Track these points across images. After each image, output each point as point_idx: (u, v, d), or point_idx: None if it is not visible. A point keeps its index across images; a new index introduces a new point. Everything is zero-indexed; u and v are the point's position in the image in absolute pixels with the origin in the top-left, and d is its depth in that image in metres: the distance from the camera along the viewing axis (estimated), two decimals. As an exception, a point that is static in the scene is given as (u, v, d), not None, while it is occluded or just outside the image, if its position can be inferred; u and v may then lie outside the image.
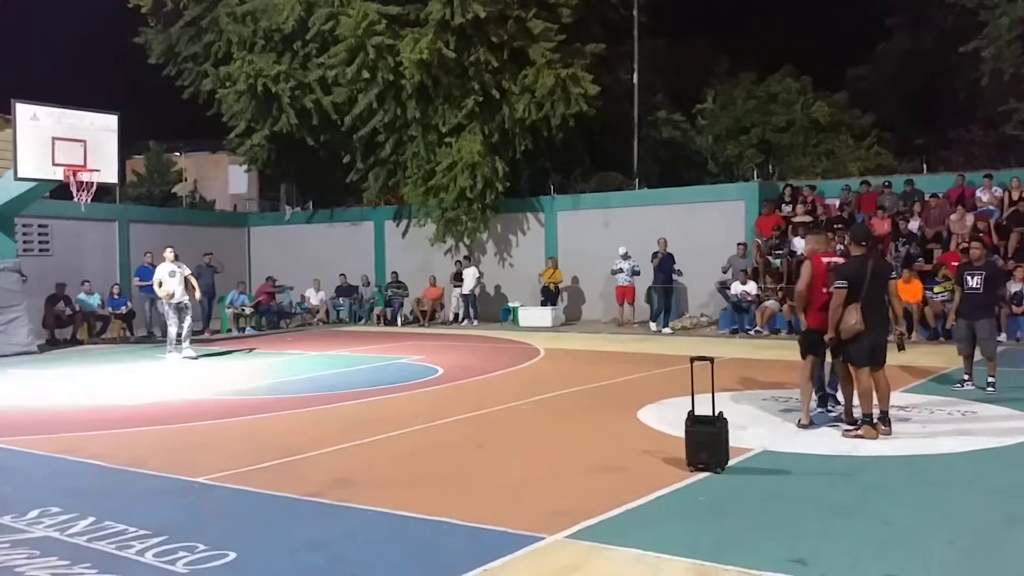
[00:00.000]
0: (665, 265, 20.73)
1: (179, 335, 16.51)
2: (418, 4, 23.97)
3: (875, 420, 8.33)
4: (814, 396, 9.25)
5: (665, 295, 20.79)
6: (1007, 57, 23.64)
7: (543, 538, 5.58)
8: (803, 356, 8.97)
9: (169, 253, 16.74)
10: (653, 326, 20.69)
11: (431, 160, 24.37)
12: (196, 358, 16.37)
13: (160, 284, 16.44)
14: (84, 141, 17.26)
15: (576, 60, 23.60)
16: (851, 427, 8.54)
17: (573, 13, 24.42)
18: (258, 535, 5.93)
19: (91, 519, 6.16)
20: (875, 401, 8.36)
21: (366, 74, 23.67)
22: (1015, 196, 18.88)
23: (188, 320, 16.74)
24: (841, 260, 8.99)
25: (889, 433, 8.34)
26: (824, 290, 8.69)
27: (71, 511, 6.36)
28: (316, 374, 14.31)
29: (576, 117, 23.23)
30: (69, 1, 42.19)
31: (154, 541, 5.68)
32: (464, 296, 23.93)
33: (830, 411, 9.47)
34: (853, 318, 8.21)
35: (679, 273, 21.09)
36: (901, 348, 8.87)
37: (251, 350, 18.08)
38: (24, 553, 5.48)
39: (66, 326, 20.73)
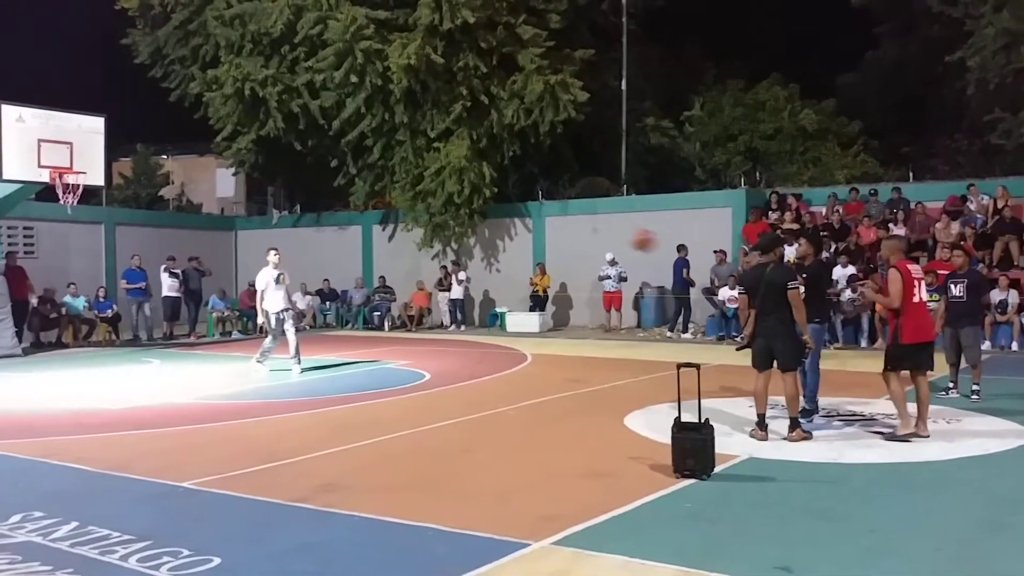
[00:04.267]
0: (677, 270, 20.80)
1: (295, 349, 14.69)
2: (407, 9, 23.97)
3: (765, 423, 8.65)
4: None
5: (676, 301, 20.85)
6: (992, 67, 23.75)
7: (529, 544, 5.57)
8: (893, 370, 8.81)
9: (274, 256, 14.80)
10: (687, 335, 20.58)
11: (419, 165, 24.35)
12: (302, 371, 14.68)
13: (261, 297, 14.68)
14: (70, 143, 17.19)
15: (565, 66, 23.64)
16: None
17: (562, 19, 24.49)
18: (243, 540, 5.89)
19: (74, 524, 6.12)
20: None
21: (354, 78, 23.64)
22: (1000, 204, 18.99)
23: (293, 331, 14.84)
24: (916, 266, 9.06)
25: (806, 438, 8.51)
26: (914, 299, 8.65)
27: (54, 516, 6.31)
28: (302, 378, 14.23)
29: (564, 123, 23.25)
30: (56, 2, 42.08)
31: (138, 546, 5.64)
32: (452, 301, 23.93)
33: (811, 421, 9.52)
34: (747, 323, 8.64)
35: (691, 282, 20.88)
36: (803, 356, 9.01)
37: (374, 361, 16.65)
38: (6, 558, 5.44)
39: (51, 329, 20.62)
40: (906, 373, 8.86)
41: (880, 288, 8.95)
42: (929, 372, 9.00)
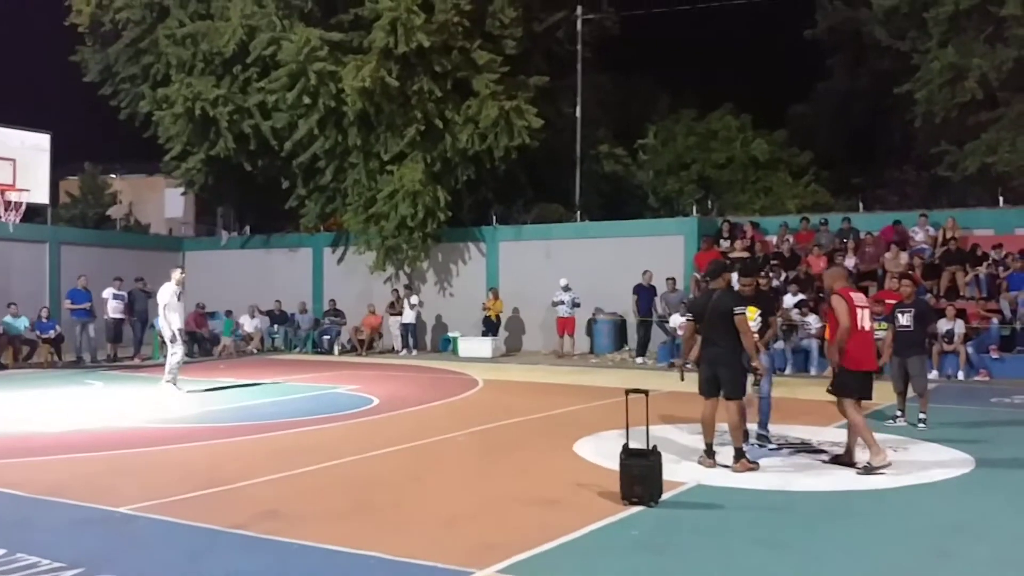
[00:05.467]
0: (647, 296, 20.85)
1: (176, 363, 14.95)
2: (361, 31, 23.91)
3: (706, 451, 8.62)
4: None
5: (644, 327, 20.88)
6: (938, 100, 24.21)
7: (472, 573, 5.47)
8: (846, 397, 8.68)
9: (178, 274, 15.17)
10: (639, 360, 20.73)
11: (372, 187, 24.21)
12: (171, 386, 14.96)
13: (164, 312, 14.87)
14: (13, 160, 16.89)
15: (520, 92, 23.67)
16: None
17: (518, 45, 24.54)
18: (179, 567, 5.74)
19: (0, 551, 5.91)
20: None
21: (307, 100, 23.49)
22: (948, 235, 19.30)
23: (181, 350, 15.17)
24: (862, 295, 8.99)
25: (752, 468, 8.41)
26: (859, 327, 8.54)
27: (-20, 543, 6.09)
28: (247, 403, 14.01)
29: (519, 149, 23.28)
30: (1, 15, 41.47)
31: (68, 574, 5.47)
32: (404, 325, 23.75)
33: (764, 446, 9.53)
34: (693, 349, 8.69)
35: (655, 307, 21.03)
36: (754, 384, 9.01)
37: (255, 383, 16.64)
38: (-74, 587, 5.23)
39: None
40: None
41: (830, 323, 8.84)
42: (867, 402, 8.99)
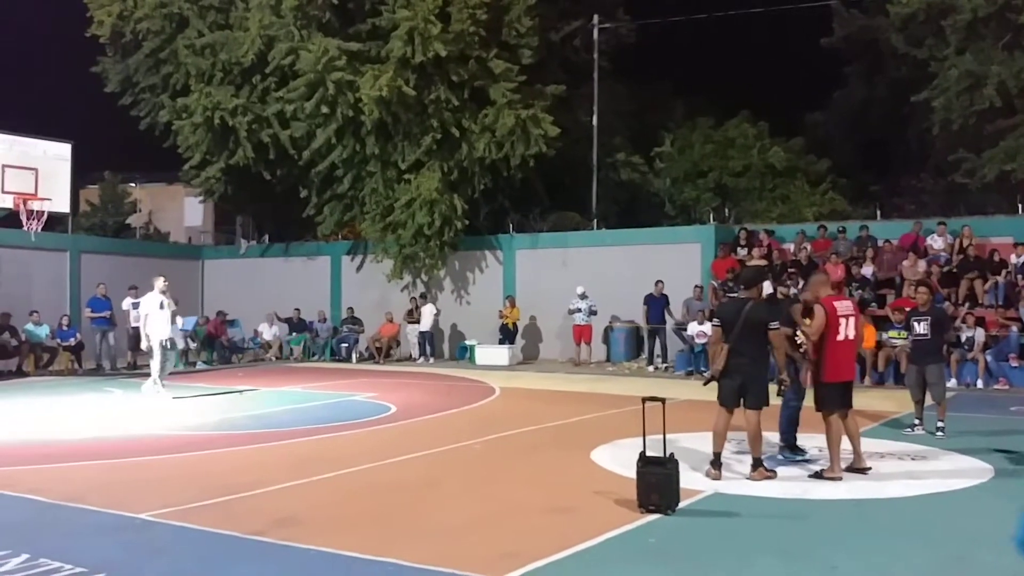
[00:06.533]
0: (658, 306, 20.86)
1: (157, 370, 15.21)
2: (379, 41, 24.00)
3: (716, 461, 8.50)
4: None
5: (656, 336, 20.90)
6: (956, 108, 24.14)
7: (489, 580, 5.49)
8: (829, 412, 8.67)
9: (160, 283, 15.26)
10: (650, 368, 20.77)
11: (389, 196, 24.30)
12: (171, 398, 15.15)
13: (146, 316, 15.12)
14: (36, 169, 17.05)
15: (536, 101, 23.70)
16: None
17: (534, 55, 24.57)
18: (199, 574, 5.79)
19: (24, 556, 5.97)
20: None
21: (325, 109, 23.60)
22: (965, 243, 19.23)
23: (172, 358, 15.40)
24: (849, 303, 8.88)
25: (770, 477, 8.40)
26: (838, 337, 8.51)
27: (3, 548, 6.16)
28: (265, 411, 14.08)
29: (536, 157, 23.33)
30: (24, 27, 41.95)
31: (90, 580, 5.52)
32: (421, 333, 23.81)
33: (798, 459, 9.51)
34: (719, 358, 8.37)
35: (671, 315, 21.05)
36: (778, 394, 8.85)
37: (247, 390, 16.85)
38: (-49, 592, 5.30)
39: (11, 357, 20.27)
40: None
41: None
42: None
